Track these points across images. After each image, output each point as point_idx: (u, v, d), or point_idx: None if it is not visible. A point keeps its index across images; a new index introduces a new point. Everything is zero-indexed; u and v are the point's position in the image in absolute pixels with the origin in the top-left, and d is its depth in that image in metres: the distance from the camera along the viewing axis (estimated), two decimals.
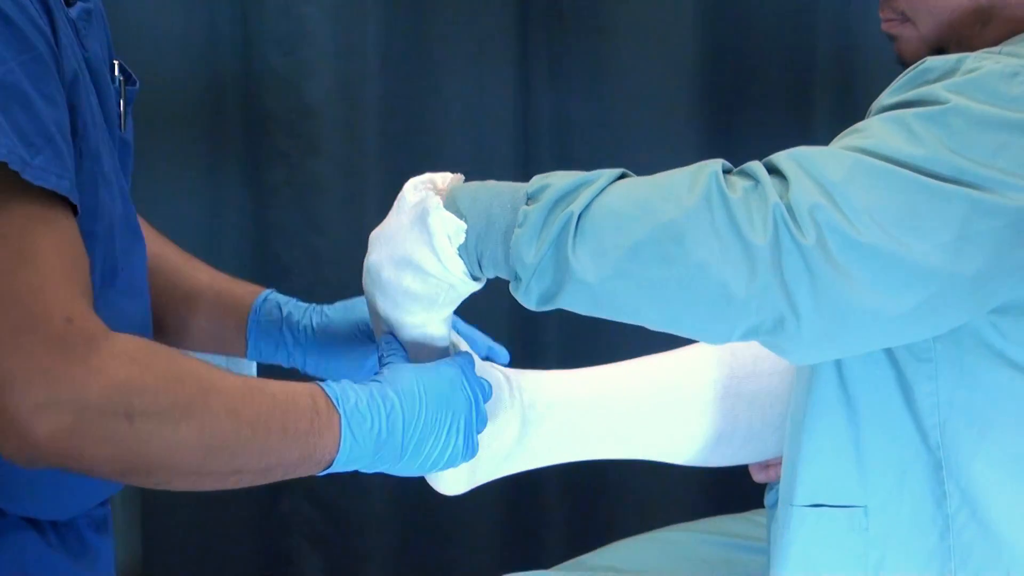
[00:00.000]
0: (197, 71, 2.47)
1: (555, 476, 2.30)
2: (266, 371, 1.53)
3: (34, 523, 1.30)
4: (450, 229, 1.28)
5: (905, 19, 1.44)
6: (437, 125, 2.53)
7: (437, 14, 2.52)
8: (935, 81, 1.26)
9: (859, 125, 1.28)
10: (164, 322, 1.55)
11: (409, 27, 2.51)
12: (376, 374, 1.31)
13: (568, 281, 1.25)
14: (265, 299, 1.60)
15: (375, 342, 1.43)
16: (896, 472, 1.36)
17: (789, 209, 1.21)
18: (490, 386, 1.38)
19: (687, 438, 1.52)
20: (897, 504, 1.36)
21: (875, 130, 1.25)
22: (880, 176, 1.21)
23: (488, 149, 2.54)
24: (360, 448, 1.24)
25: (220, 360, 1.92)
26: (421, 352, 1.39)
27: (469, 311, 1.53)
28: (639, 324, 1.29)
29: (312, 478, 1.27)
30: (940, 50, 1.39)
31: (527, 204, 1.27)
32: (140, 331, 1.19)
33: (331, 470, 1.24)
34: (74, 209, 1.14)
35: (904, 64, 1.43)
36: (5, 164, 1.06)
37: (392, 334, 1.38)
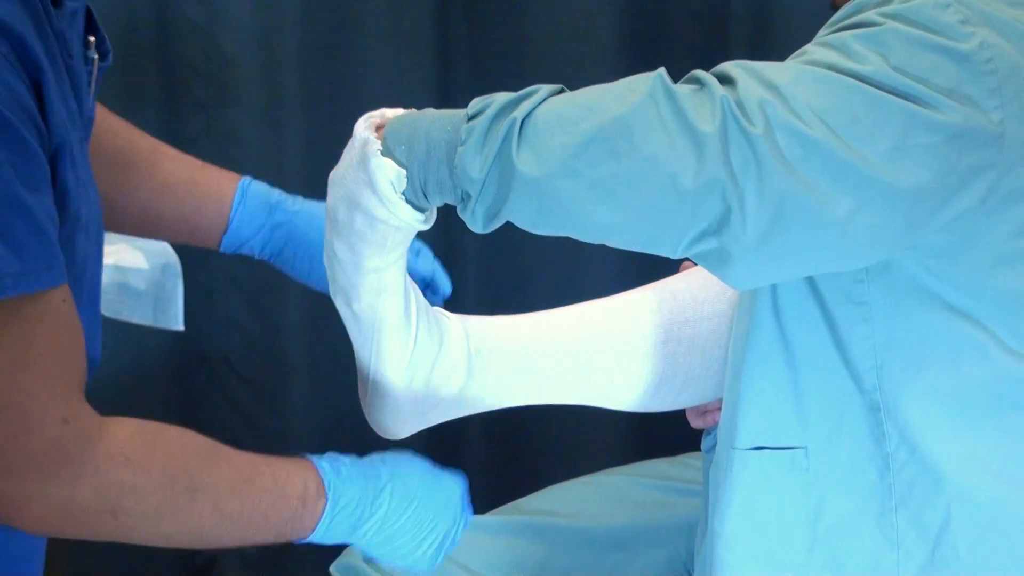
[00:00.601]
0: (112, 19, 2.42)
1: (477, 424, 2.30)
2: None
3: None
4: (391, 175, 1.28)
5: None
6: (355, 75, 2.52)
7: None
8: (870, 10, 1.28)
9: (799, 51, 1.29)
10: (139, 214, 1.56)
11: None
12: (383, 454, 1.37)
13: (514, 185, 1.24)
14: (246, 191, 1.60)
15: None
16: (834, 413, 1.37)
17: (738, 102, 1.21)
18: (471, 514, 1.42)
19: (628, 383, 1.53)
20: (836, 445, 1.38)
21: (816, 50, 1.27)
22: (824, 81, 1.22)
23: (408, 95, 2.52)
24: (332, 535, 1.32)
25: (148, 306, 1.91)
26: (378, 298, 1.39)
27: None
28: (584, 235, 1.27)
29: None
30: None
31: (468, 122, 1.26)
32: (88, 338, 1.22)
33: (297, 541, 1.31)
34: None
35: (836, 9, 1.44)
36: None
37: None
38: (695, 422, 1.62)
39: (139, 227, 1.59)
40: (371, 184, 1.29)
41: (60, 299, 1.13)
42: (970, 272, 1.30)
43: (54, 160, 1.14)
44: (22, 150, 1.07)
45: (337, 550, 2.57)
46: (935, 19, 1.24)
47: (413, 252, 1.66)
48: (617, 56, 2.56)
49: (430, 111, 1.31)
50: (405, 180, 1.29)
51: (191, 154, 2.39)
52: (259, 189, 1.60)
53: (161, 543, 1.22)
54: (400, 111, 1.33)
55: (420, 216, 1.32)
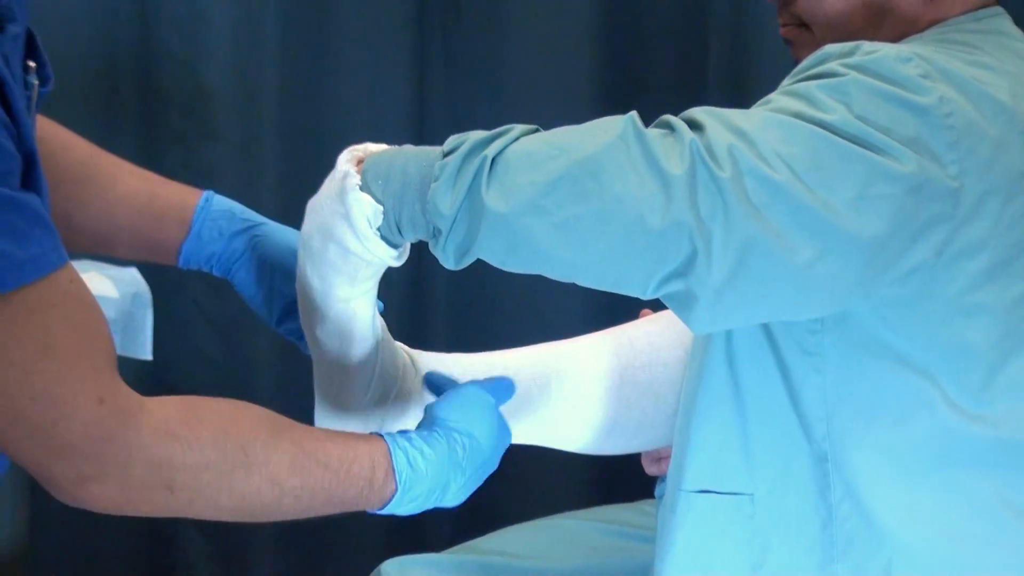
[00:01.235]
0: (93, 51, 2.45)
1: None
2: None
3: None
4: (368, 211, 1.30)
5: (801, 24, 1.48)
6: (334, 110, 2.54)
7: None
8: (833, 61, 1.31)
9: (764, 99, 1.31)
10: (96, 227, 1.54)
11: (307, 12, 2.52)
12: (466, 410, 1.36)
13: (483, 222, 1.25)
14: (208, 202, 1.57)
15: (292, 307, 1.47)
16: (781, 462, 1.39)
17: (707, 146, 1.23)
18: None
19: (583, 425, 1.54)
20: (782, 493, 1.39)
21: (780, 99, 1.29)
22: (790, 128, 1.24)
23: (385, 131, 2.54)
24: (397, 513, 1.31)
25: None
26: (346, 329, 1.41)
27: None
28: (553, 273, 1.29)
29: None
30: None
31: (443, 159, 1.28)
32: None
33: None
34: None
35: (799, 62, 1.47)
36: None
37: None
38: (650, 468, 1.64)
39: (97, 242, 1.57)
40: (347, 217, 1.31)
41: (67, 280, 1.12)
42: (923, 324, 1.32)
43: (28, 167, 1.14)
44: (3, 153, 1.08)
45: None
46: (896, 72, 1.27)
47: None
48: (592, 92, 2.59)
49: (409, 147, 1.33)
50: (381, 216, 1.30)
51: None
52: (222, 202, 1.58)
53: (225, 517, 1.22)
54: (383, 147, 1.35)
55: (393, 252, 1.34)
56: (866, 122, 1.24)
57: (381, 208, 1.30)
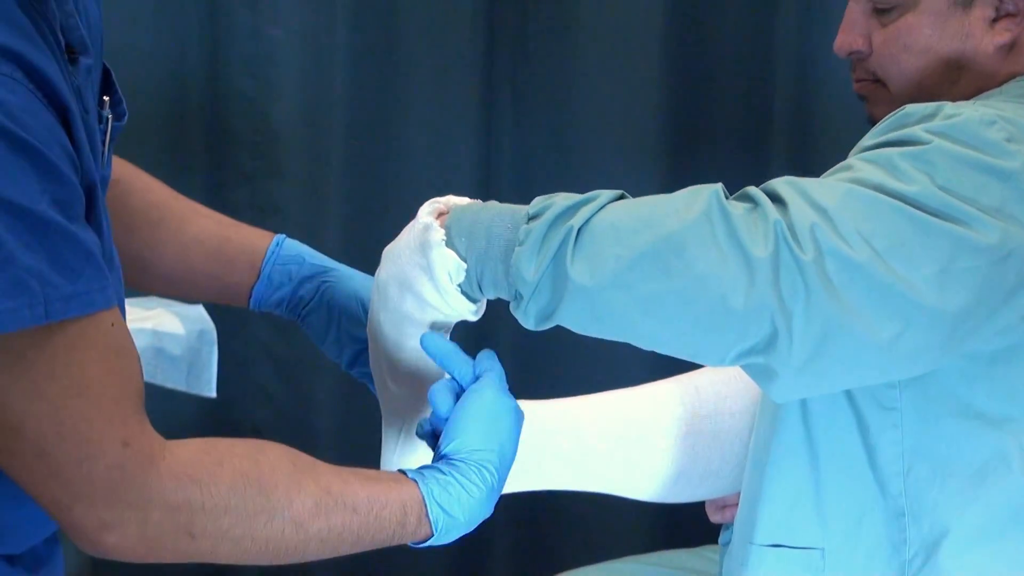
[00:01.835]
0: (164, 91, 2.48)
1: (501, 506, 2.32)
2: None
3: None
4: (451, 266, 1.30)
5: (876, 80, 1.47)
6: (401, 150, 2.56)
7: (404, 39, 2.55)
8: (915, 124, 1.29)
9: (843, 164, 1.30)
10: (169, 269, 1.54)
11: (376, 52, 2.54)
12: (495, 426, 1.31)
13: (566, 292, 1.24)
14: (278, 246, 1.57)
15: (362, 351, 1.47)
16: (854, 517, 1.38)
17: (790, 227, 1.22)
18: None
19: (648, 474, 1.54)
20: (853, 548, 1.38)
21: (862, 167, 1.28)
22: (871, 204, 1.23)
23: (450, 175, 2.56)
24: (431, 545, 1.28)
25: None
26: (417, 378, 1.41)
27: None
28: (634, 342, 1.29)
29: None
30: None
31: (528, 223, 1.28)
32: None
33: None
34: None
35: (874, 123, 1.46)
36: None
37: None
38: (714, 516, 1.63)
39: (170, 284, 1.57)
40: (429, 271, 1.31)
41: (109, 323, 1.12)
42: (1005, 380, 1.32)
43: (89, 198, 1.14)
44: (58, 180, 1.07)
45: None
46: (980, 137, 1.26)
47: None
48: (657, 141, 2.60)
49: (494, 204, 1.32)
50: (463, 273, 1.30)
51: None
52: (293, 246, 1.58)
53: (249, 561, 1.19)
54: (466, 200, 1.35)
55: (472, 307, 1.34)
56: (950, 193, 1.24)
57: (464, 265, 1.30)
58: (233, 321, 2.43)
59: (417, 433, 1.38)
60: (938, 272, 1.22)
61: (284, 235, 1.59)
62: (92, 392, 1.10)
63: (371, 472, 1.27)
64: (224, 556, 1.18)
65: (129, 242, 1.42)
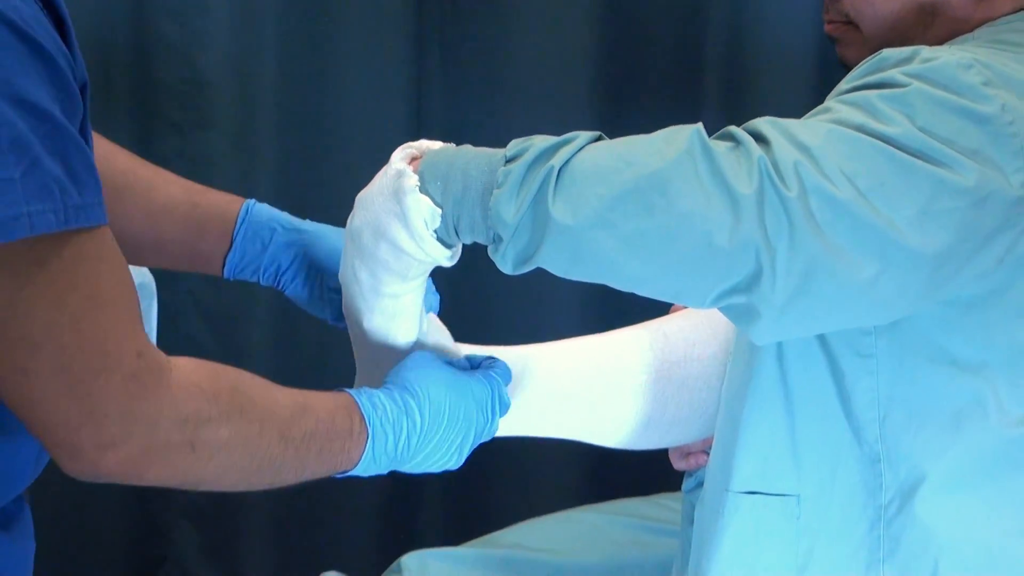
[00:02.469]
0: (87, 39, 2.41)
1: None
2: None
3: None
4: (425, 212, 1.29)
5: (848, 22, 1.47)
6: (331, 99, 2.53)
7: None
8: (892, 68, 1.30)
9: (822, 107, 1.31)
10: (138, 238, 1.52)
11: (305, 1, 2.50)
12: (405, 372, 1.34)
13: (547, 232, 1.24)
14: (248, 212, 1.56)
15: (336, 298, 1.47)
16: (829, 463, 1.39)
17: (774, 164, 1.22)
18: (508, 402, 1.41)
19: (617, 421, 1.54)
20: (829, 494, 1.39)
21: (841, 108, 1.28)
22: (854, 143, 1.24)
23: (382, 122, 2.54)
24: (373, 466, 1.31)
25: None
26: (392, 324, 1.40)
27: None
28: (614, 283, 1.28)
29: None
30: None
31: (506, 165, 1.27)
32: None
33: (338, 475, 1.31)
34: None
35: (846, 66, 1.47)
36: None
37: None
38: (678, 464, 1.64)
39: (138, 252, 1.54)
40: (403, 218, 1.30)
41: (110, 236, 1.12)
42: (981, 327, 1.33)
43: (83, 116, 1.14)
44: (66, 90, 1.06)
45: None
46: (958, 80, 1.27)
47: None
48: (591, 84, 2.60)
49: (468, 148, 1.31)
50: (439, 218, 1.29)
51: None
52: (263, 211, 1.57)
53: (232, 479, 1.21)
54: (438, 144, 1.34)
55: (448, 253, 1.33)
56: (929, 135, 1.24)
57: (439, 211, 1.29)
58: (165, 274, 2.39)
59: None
60: (918, 213, 1.23)
61: (253, 200, 1.57)
62: (108, 303, 1.09)
63: (315, 391, 1.30)
64: (212, 473, 1.18)
65: None
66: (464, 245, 1.35)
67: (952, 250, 1.25)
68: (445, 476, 2.61)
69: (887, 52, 1.32)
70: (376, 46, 2.53)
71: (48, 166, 1.03)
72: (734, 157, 1.23)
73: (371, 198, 1.33)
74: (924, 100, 1.26)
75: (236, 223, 1.55)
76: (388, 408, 1.31)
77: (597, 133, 1.29)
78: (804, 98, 2.53)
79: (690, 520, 1.59)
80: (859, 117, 1.26)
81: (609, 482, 2.53)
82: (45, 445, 1.12)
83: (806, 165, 1.22)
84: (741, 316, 1.27)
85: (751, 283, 1.23)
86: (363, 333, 1.42)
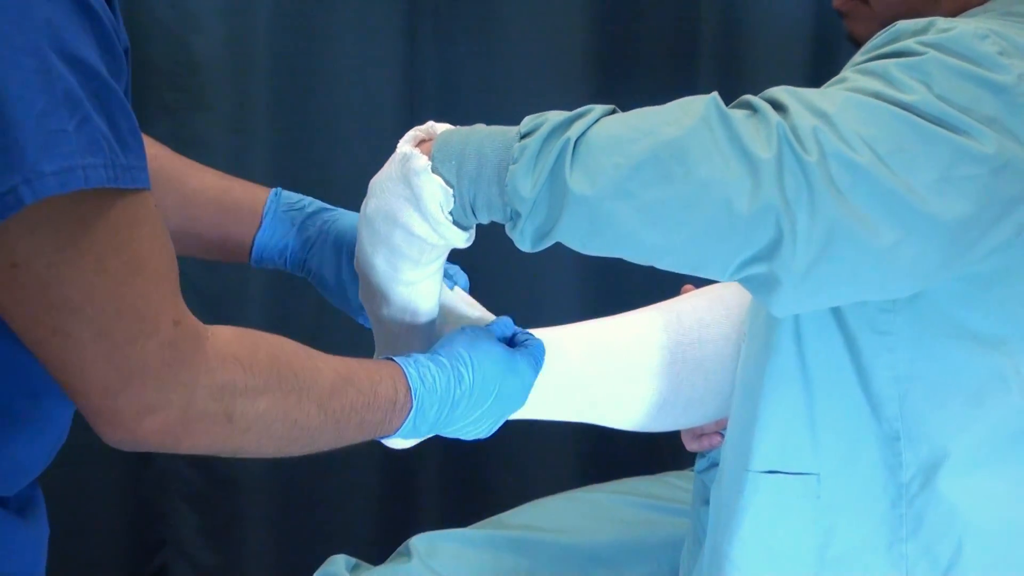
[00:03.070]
0: None
1: (434, 442, 2.32)
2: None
3: None
4: (438, 194, 1.28)
5: None
6: (324, 81, 2.51)
7: None
8: (908, 38, 1.30)
9: (837, 77, 1.30)
10: (170, 227, 1.52)
11: None
12: (458, 345, 1.35)
13: (566, 205, 1.23)
14: (277, 195, 1.57)
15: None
16: (848, 441, 1.39)
17: (792, 129, 1.22)
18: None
19: (633, 404, 1.54)
20: (849, 472, 1.39)
21: (857, 78, 1.28)
22: (871, 110, 1.24)
23: (375, 106, 2.53)
24: (413, 433, 1.31)
25: None
26: (410, 310, 1.40)
27: None
28: (633, 256, 1.28)
29: None
30: None
31: (521, 140, 1.26)
32: None
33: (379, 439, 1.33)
34: None
35: (854, 42, 1.47)
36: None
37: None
38: (690, 445, 1.64)
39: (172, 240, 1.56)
40: (416, 201, 1.29)
41: (152, 202, 1.11)
42: (1000, 301, 1.33)
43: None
44: (111, 52, 1.05)
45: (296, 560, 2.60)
46: (974, 49, 1.27)
47: None
48: (584, 60, 2.59)
49: (481, 127, 1.31)
50: (453, 200, 1.28)
51: None
52: (290, 197, 1.57)
53: (270, 448, 1.21)
54: (447, 126, 1.33)
55: (464, 235, 1.32)
56: (946, 102, 1.24)
57: (452, 192, 1.28)
58: None
59: None
60: (938, 179, 1.23)
61: (280, 187, 1.58)
62: (148, 269, 1.09)
63: (361, 359, 1.31)
64: (251, 442, 1.18)
65: None
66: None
67: (972, 218, 1.25)
68: (444, 458, 2.65)
69: (902, 24, 1.32)
70: (369, 27, 2.51)
71: (97, 123, 1.02)
72: (752, 123, 1.23)
73: (382, 184, 1.33)
74: (941, 68, 1.25)
75: (266, 205, 1.55)
76: (437, 378, 1.31)
77: (612, 107, 1.29)
78: (800, 74, 2.54)
79: (703, 500, 1.59)
80: (876, 85, 1.26)
81: (606, 463, 2.53)
82: (84, 412, 1.11)
83: (825, 131, 1.21)
84: (761, 287, 1.26)
85: (772, 250, 1.22)
86: (381, 322, 1.42)
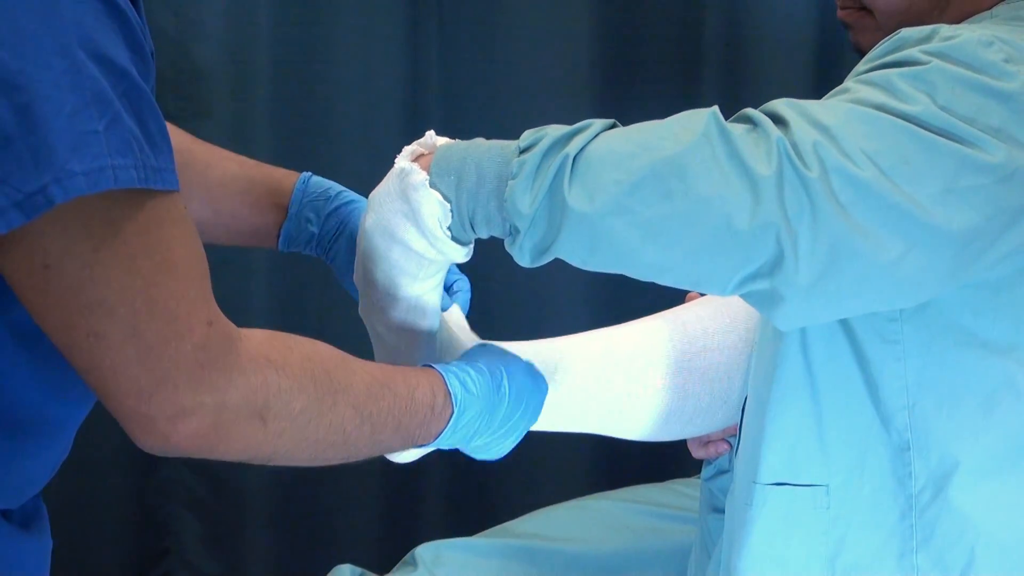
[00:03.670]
0: None
1: (439, 451, 2.32)
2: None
3: None
4: (436, 208, 1.27)
5: (862, 7, 1.46)
6: (327, 88, 2.52)
7: None
8: (912, 47, 1.29)
9: (840, 88, 1.30)
10: (195, 214, 1.49)
11: None
12: (489, 355, 1.36)
13: (565, 221, 1.22)
14: (305, 183, 1.56)
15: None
16: (857, 452, 1.38)
17: (793, 145, 1.21)
18: None
19: (639, 415, 1.53)
20: (858, 483, 1.38)
21: (860, 88, 1.27)
22: (874, 122, 1.23)
23: (377, 115, 2.53)
24: (449, 443, 1.31)
25: None
26: (409, 325, 1.40)
27: None
28: (633, 272, 1.27)
29: None
30: None
31: (520, 155, 1.25)
32: None
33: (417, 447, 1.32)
34: None
35: (860, 53, 1.46)
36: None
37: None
38: (697, 452, 1.63)
39: (198, 228, 1.55)
40: (414, 217, 1.28)
41: (182, 203, 1.10)
42: (1009, 307, 1.32)
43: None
44: (140, 53, 1.05)
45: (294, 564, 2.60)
46: (979, 57, 1.26)
47: None
48: (588, 68, 2.59)
49: (480, 141, 1.30)
50: (451, 215, 1.28)
51: None
52: (319, 183, 1.56)
53: (306, 454, 1.20)
54: (446, 140, 1.32)
55: (463, 250, 1.32)
56: (951, 113, 1.23)
57: (450, 206, 1.27)
58: None
59: None
60: (943, 190, 1.22)
61: (310, 173, 1.57)
62: (180, 270, 1.08)
63: (399, 366, 1.32)
64: (286, 446, 1.17)
65: None
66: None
67: (979, 228, 1.24)
68: (449, 466, 2.65)
69: (906, 31, 1.31)
70: (371, 31, 2.51)
71: (127, 123, 1.02)
72: (752, 139, 1.22)
73: (380, 199, 1.32)
74: (944, 78, 1.25)
75: (292, 194, 1.54)
76: (479, 383, 1.31)
77: (611, 120, 1.28)
78: (804, 83, 2.54)
79: (709, 507, 1.59)
80: (879, 96, 1.25)
81: (613, 470, 2.54)
82: (117, 417, 1.10)
83: (826, 145, 1.21)
84: (764, 302, 1.26)
85: (773, 267, 1.21)
86: (379, 335, 1.41)
